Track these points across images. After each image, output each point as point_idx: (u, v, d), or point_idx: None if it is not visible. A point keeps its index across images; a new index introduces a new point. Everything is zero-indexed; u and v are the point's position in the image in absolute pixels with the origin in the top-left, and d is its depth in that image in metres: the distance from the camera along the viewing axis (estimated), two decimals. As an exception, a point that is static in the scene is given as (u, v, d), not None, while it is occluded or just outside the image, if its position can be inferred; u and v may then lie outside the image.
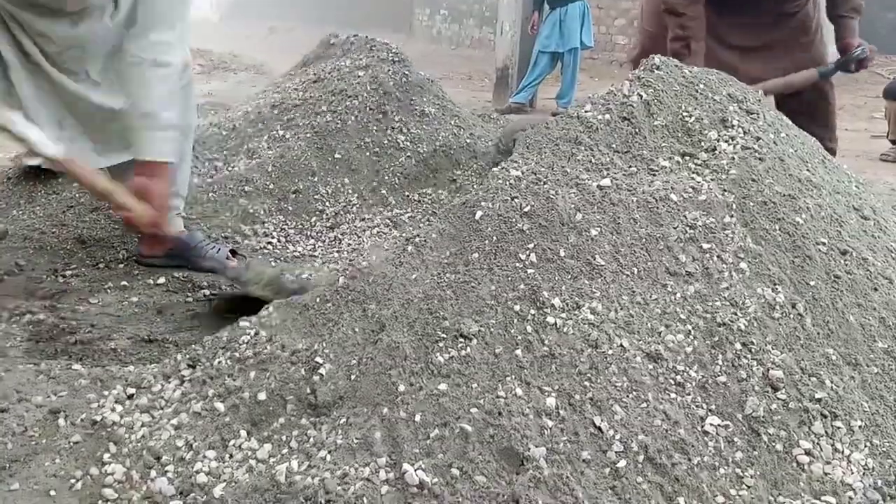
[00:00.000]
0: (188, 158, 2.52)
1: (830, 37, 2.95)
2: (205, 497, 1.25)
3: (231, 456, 1.34)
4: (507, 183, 1.63)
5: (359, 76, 3.27)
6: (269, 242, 2.74)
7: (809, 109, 2.84)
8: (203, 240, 2.52)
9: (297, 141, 3.08)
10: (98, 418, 1.46)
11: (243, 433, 1.37)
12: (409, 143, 3.21)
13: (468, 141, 3.36)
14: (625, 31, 9.85)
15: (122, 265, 2.46)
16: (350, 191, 3.01)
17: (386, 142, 3.17)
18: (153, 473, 1.32)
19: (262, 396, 1.41)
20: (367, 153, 3.14)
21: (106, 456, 1.37)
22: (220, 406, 1.42)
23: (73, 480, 1.32)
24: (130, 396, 1.52)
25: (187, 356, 1.56)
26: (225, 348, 1.54)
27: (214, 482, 1.28)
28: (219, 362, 1.51)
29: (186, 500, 1.26)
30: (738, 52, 2.88)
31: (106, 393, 1.54)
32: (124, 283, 2.33)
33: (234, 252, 2.55)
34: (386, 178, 3.12)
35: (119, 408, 1.49)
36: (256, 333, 1.54)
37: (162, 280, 2.35)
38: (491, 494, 1.18)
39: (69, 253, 2.51)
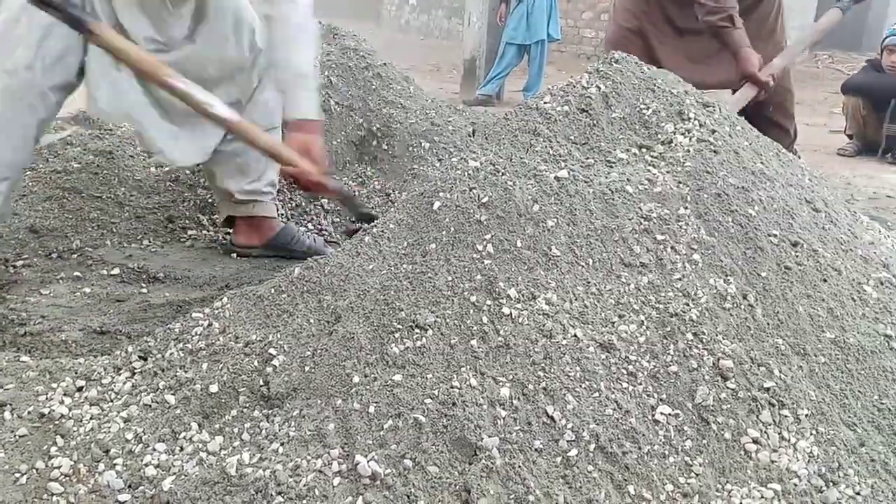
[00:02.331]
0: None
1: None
2: (154, 490, 1.24)
3: (181, 449, 1.32)
4: (465, 173, 1.63)
5: (321, 63, 3.23)
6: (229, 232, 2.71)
7: (779, 101, 2.92)
8: (298, 230, 2.59)
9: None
10: (46, 411, 1.43)
11: (194, 426, 1.35)
12: (372, 130, 3.19)
13: (432, 128, 3.34)
14: (592, 25, 9.91)
15: (75, 255, 2.41)
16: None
17: (348, 128, 3.14)
18: (101, 467, 1.30)
19: (213, 388, 1.39)
20: (332, 140, 3.10)
21: (53, 449, 1.35)
22: (170, 398, 1.40)
23: (17, 474, 1.29)
24: (80, 389, 1.49)
25: (139, 348, 1.54)
26: (177, 340, 1.52)
27: (164, 475, 1.27)
28: (170, 354, 1.49)
29: (135, 493, 1.24)
30: (693, 52, 2.91)
31: (54, 385, 1.51)
32: (77, 273, 2.28)
33: (326, 241, 2.64)
34: (345, 162, 3.10)
35: (68, 400, 1.46)
36: (209, 325, 1.52)
37: (116, 271, 2.31)
38: (443, 485, 1.19)
39: (21, 243, 2.44)
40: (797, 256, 1.59)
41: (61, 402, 1.45)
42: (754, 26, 2.88)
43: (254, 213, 2.50)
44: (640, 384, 1.33)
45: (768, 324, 1.47)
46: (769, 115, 2.97)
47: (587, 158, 1.70)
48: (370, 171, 3.14)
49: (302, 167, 1.98)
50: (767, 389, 1.36)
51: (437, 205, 1.58)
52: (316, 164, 2.01)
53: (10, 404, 1.45)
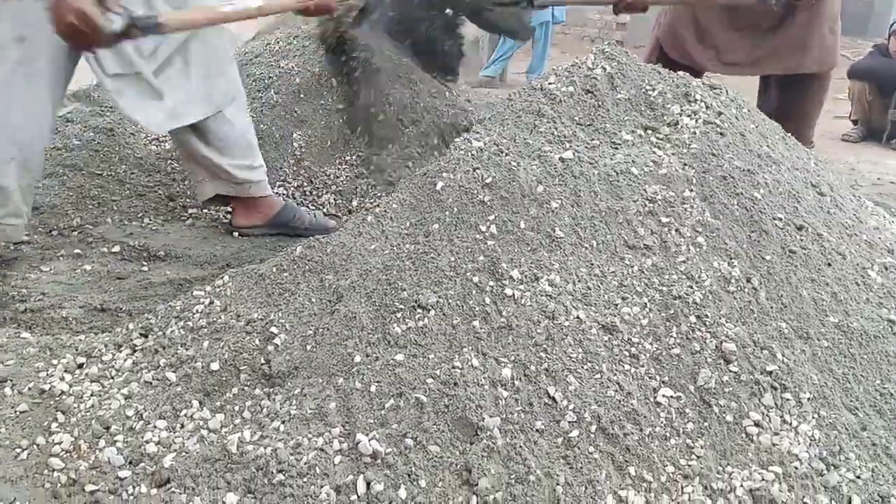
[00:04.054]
0: (251, 127, 2.49)
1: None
2: (154, 467, 1.23)
3: (182, 426, 1.32)
4: (469, 154, 1.62)
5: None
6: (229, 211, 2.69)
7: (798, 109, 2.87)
8: (297, 208, 2.58)
9: (254, 104, 3.01)
10: (46, 387, 1.42)
11: (195, 403, 1.35)
12: (378, 110, 3.16)
13: (429, 107, 3.30)
14: (596, 7, 9.81)
15: (75, 233, 2.40)
16: (302, 145, 2.96)
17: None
18: (102, 443, 1.30)
19: (215, 366, 1.39)
20: (337, 120, 3.07)
21: (54, 425, 1.34)
22: (171, 376, 1.40)
23: (18, 450, 1.29)
24: (80, 366, 1.49)
25: (139, 325, 1.53)
26: (178, 317, 1.51)
27: (165, 452, 1.27)
28: (171, 332, 1.49)
29: (135, 469, 1.24)
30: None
31: (55, 362, 1.51)
32: (77, 251, 2.27)
33: (326, 215, 2.66)
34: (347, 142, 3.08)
35: (68, 377, 1.46)
36: (210, 303, 1.51)
37: (116, 248, 2.30)
38: (444, 464, 1.18)
39: (21, 220, 2.43)
40: (802, 240, 1.58)
41: (62, 379, 1.45)
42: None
43: (250, 193, 2.48)
44: (643, 366, 1.33)
45: (772, 307, 1.46)
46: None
47: (592, 140, 1.68)
48: (373, 152, 3.11)
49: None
50: (770, 373, 1.35)
51: (440, 185, 1.57)
52: None
53: (11, 380, 1.45)
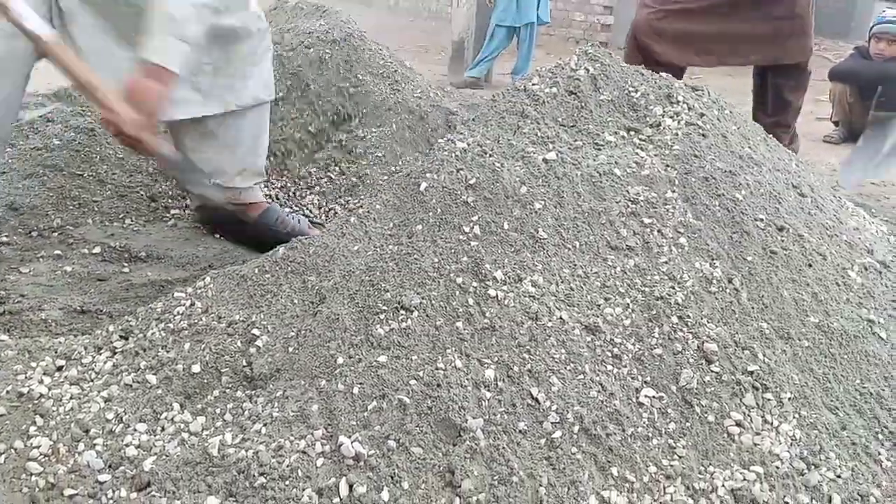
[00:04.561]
0: (266, 132, 2.36)
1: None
2: (134, 470, 1.22)
3: (163, 429, 1.31)
4: (453, 155, 1.61)
5: (306, 42, 3.18)
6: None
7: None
8: (281, 212, 2.50)
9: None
10: (25, 390, 1.40)
11: (176, 406, 1.34)
12: (356, 111, 3.16)
13: (421, 110, 3.30)
14: (581, 8, 9.85)
15: (55, 234, 2.37)
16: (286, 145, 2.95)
17: (329, 110, 3.11)
18: (81, 446, 1.28)
19: (196, 369, 1.38)
20: (316, 119, 3.07)
21: (32, 429, 1.33)
22: (152, 378, 1.38)
23: (-5, 454, 1.27)
24: (60, 368, 1.47)
25: (120, 327, 1.52)
26: (159, 319, 1.50)
27: (145, 455, 1.25)
28: (152, 334, 1.47)
29: (115, 473, 1.23)
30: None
31: (34, 364, 1.49)
32: (58, 252, 2.25)
33: (311, 222, 2.58)
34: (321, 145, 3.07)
35: (47, 380, 1.44)
36: (192, 304, 1.50)
37: (97, 250, 2.28)
38: (427, 465, 1.18)
39: (0, 220, 2.40)
40: (783, 241, 1.59)
41: (41, 382, 1.43)
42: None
43: (241, 199, 2.45)
44: (625, 367, 1.33)
45: (753, 308, 1.47)
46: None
47: (575, 141, 1.69)
48: (352, 156, 3.11)
49: (120, 115, 1.66)
50: (751, 373, 1.36)
51: (423, 186, 1.57)
52: (142, 116, 1.70)
53: (-12, 383, 1.43)
